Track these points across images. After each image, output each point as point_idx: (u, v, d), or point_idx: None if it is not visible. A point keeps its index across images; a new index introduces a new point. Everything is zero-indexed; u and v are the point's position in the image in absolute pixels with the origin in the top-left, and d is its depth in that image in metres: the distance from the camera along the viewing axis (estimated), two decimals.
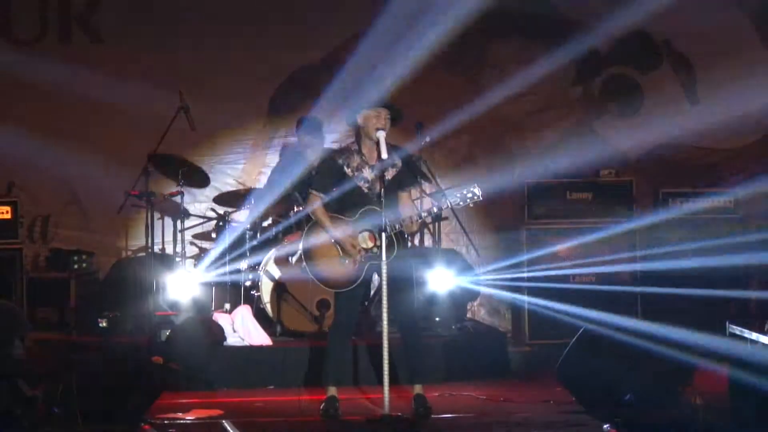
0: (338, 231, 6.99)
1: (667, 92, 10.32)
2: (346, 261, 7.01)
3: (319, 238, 7.08)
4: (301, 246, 7.23)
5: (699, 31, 9.95)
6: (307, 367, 8.14)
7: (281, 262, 8.74)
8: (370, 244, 6.96)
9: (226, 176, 10.45)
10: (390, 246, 6.78)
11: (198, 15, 10.30)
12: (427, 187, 9.02)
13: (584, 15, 10.22)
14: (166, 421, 6.85)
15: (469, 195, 6.88)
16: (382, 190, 6.81)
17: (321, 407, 7.02)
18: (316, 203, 7.08)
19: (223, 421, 6.86)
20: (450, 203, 6.96)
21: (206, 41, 10.29)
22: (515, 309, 9.85)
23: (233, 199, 9.60)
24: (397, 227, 6.86)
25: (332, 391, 7.11)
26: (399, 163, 7.07)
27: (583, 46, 10.13)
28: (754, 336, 6.45)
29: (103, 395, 6.76)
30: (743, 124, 9.86)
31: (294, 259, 8.39)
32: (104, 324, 9.13)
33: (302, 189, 8.59)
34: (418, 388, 7.06)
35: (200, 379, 8.06)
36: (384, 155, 6.81)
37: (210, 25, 10.30)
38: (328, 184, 7.09)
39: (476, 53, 10.53)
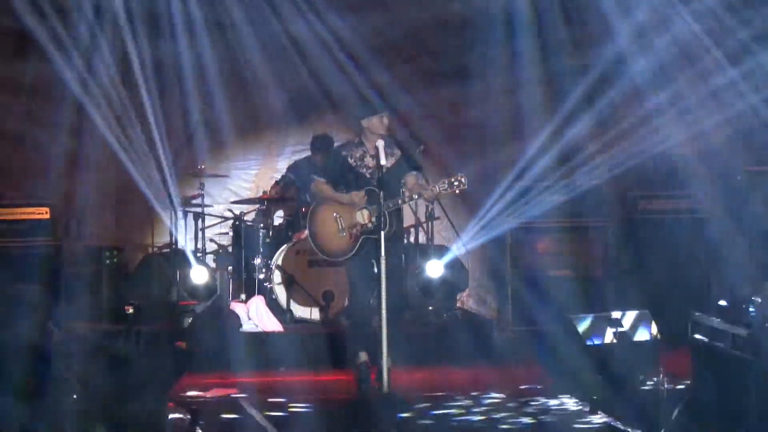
0: (343, 196, 7.04)
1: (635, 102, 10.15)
2: (344, 234, 7.02)
3: (322, 214, 7.13)
4: (307, 220, 7.28)
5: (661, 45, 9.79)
6: (314, 351, 8.12)
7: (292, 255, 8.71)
8: (366, 220, 6.93)
9: (241, 180, 10.38)
10: (384, 223, 6.79)
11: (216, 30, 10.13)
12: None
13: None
14: (188, 399, 6.86)
15: (456, 183, 6.89)
16: (380, 173, 6.81)
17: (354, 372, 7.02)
18: (322, 184, 7.15)
19: (240, 399, 6.80)
20: (439, 189, 6.92)
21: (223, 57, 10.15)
22: (500, 298, 9.78)
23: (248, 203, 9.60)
24: (391, 206, 6.88)
25: (363, 357, 7.02)
26: (397, 152, 7.10)
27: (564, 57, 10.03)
28: (715, 323, 6.34)
29: (132, 376, 6.64)
30: (706, 130, 9.73)
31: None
32: (131, 312, 9.02)
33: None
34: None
35: (219, 361, 8.00)
36: (383, 161, 6.81)
37: (226, 40, 10.13)
38: (331, 173, 7.17)
39: (463, 66, 10.38)
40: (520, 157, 9.98)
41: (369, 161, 7.03)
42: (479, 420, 6.45)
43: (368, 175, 7.02)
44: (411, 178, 7.10)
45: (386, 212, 6.80)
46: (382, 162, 6.81)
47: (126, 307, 8.95)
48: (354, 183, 7.05)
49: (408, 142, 7.30)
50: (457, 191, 6.91)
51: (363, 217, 6.98)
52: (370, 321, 7.07)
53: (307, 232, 7.33)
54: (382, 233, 6.70)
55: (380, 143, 6.86)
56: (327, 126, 9.98)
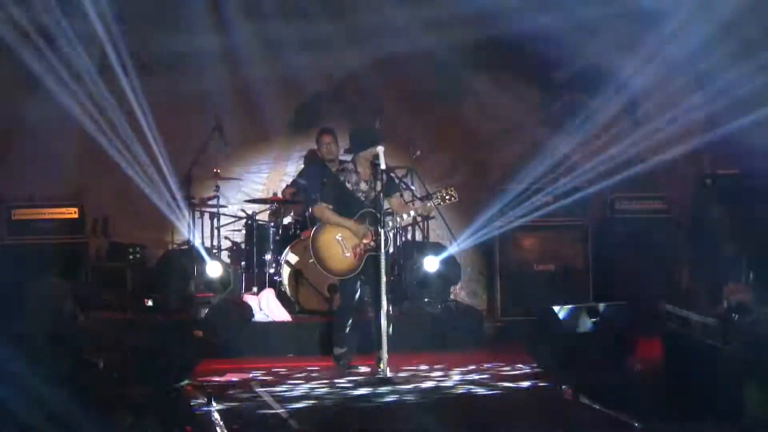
0: (347, 222, 7.34)
1: (612, 114, 10.32)
2: (348, 254, 7.28)
3: (325, 238, 7.41)
4: (310, 245, 7.53)
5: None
6: (319, 339, 8.35)
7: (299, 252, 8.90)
8: (368, 240, 7.23)
9: (253, 183, 10.56)
10: (387, 240, 7.18)
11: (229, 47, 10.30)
12: (416, 191, 9.16)
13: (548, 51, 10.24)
14: (205, 383, 6.99)
15: (447, 197, 7.27)
16: (381, 194, 7.18)
17: (334, 357, 7.49)
18: (325, 209, 7.44)
19: (252, 383, 6.99)
20: (432, 203, 7.36)
21: (236, 71, 10.32)
22: (490, 291, 9.98)
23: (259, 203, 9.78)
24: (390, 225, 7.30)
25: (339, 351, 7.50)
26: (384, 178, 7.42)
27: (545, 77, 10.20)
28: (684, 313, 6.55)
29: (154, 362, 6.83)
30: (676, 139, 9.90)
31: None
32: (151, 303, 9.20)
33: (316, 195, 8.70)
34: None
35: (233, 348, 8.18)
36: (383, 165, 7.17)
37: (239, 56, 10.30)
38: (331, 196, 7.48)
39: (456, 85, 10.54)
40: (511, 162, 10.19)
41: (363, 186, 7.41)
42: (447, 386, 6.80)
43: (362, 198, 7.40)
44: (394, 200, 7.53)
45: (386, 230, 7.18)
46: (382, 167, 7.10)
47: (145, 300, 9.16)
48: (351, 205, 7.39)
49: (405, 148, 7.50)
50: (449, 203, 7.40)
51: (365, 237, 7.32)
52: (358, 310, 7.42)
53: (311, 232, 7.58)
54: (382, 240, 7.03)
55: (380, 148, 7.15)
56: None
